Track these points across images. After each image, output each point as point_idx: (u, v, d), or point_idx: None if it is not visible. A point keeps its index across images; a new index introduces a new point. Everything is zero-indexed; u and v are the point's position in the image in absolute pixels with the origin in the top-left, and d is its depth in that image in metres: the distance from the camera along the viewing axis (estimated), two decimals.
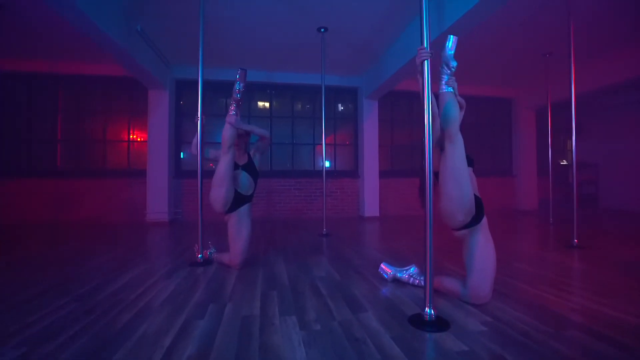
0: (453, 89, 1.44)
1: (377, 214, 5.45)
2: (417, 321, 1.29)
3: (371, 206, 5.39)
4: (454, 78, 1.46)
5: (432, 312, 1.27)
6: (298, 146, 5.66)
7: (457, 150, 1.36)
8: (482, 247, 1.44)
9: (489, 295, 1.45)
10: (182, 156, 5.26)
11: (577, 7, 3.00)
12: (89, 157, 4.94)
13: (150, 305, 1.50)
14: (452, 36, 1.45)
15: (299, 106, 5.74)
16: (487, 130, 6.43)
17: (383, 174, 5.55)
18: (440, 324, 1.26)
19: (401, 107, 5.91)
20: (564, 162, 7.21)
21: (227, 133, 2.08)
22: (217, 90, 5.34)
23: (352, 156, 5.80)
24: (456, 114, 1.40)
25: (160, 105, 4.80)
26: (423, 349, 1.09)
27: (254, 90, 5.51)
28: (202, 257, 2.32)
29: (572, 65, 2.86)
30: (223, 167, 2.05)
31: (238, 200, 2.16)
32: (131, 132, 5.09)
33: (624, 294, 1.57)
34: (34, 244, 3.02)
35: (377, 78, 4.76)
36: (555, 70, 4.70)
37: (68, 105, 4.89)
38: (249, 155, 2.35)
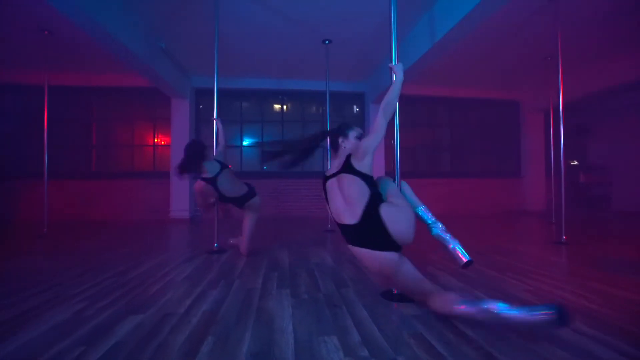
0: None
1: None
2: (387, 294, 1.56)
3: None
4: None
5: None
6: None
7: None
8: None
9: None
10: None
11: (573, 11, 3.14)
12: (119, 160, 5.47)
13: (173, 280, 1.84)
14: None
15: (310, 111, 6.07)
16: (494, 133, 6.52)
17: (389, 175, 5.78)
18: (405, 297, 1.52)
19: (407, 110, 6.12)
20: (575, 163, 7.15)
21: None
22: (232, 97, 5.75)
23: None
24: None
25: (181, 112, 5.25)
26: (385, 313, 1.36)
27: (267, 97, 5.89)
28: (217, 245, 2.67)
29: (560, 70, 3.01)
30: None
31: (233, 201, 2.51)
32: (156, 137, 5.57)
33: (580, 281, 1.77)
34: (74, 237, 3.49)
35: (380, 83, 5.01)
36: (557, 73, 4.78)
37: (101, 114, 5.44)
38: (218, 162, 2.49)
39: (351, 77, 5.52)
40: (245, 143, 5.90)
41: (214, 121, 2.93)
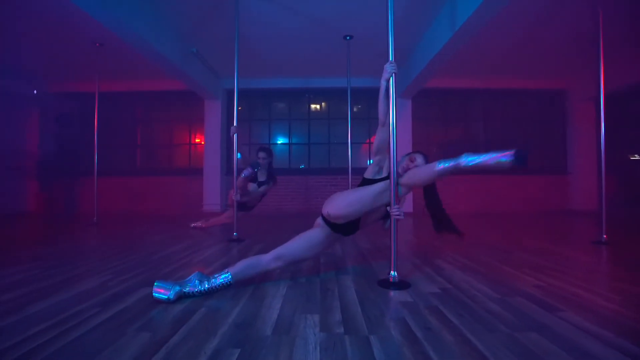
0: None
1: (411, 210, 5.54)
2: (384, 282, 1.56)
3: (405, 203, 5.50)
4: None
5: (396, 274, 1.53)
6: (334, 145, 6.03)
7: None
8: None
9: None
10: (239, 156, 5.99)
11: None
12: (159, 158, 5.98)
13: (189, 262, 2.01)
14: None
15: (337, 108, 6.10)
16: (536, 126, 6.03)
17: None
18: (401, 285, 1.51)
19: (435, 105, 5.90)
20: (636, 157, 6.32)
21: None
22: (261, 97, 5.98)
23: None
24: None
25: (213, 112, 5.60)
26: (375, 298, 1.37)
27: (294, 96, 6.04)
28: (236, 234, 2.83)
29: (601, 53, 2.72)
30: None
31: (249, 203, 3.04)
32: (191, 136, 6.00)
33: (605, 281, 1.61)
34: (118, 226, 3.91)
35: (406, 77, 4.90)
36: (607, 58, 4.30)
37: (143, 116, 5.99)
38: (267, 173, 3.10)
39: (377, 72, 5.45)
40: (280, 141, 6.10)
41: (232, 131, 2.91)
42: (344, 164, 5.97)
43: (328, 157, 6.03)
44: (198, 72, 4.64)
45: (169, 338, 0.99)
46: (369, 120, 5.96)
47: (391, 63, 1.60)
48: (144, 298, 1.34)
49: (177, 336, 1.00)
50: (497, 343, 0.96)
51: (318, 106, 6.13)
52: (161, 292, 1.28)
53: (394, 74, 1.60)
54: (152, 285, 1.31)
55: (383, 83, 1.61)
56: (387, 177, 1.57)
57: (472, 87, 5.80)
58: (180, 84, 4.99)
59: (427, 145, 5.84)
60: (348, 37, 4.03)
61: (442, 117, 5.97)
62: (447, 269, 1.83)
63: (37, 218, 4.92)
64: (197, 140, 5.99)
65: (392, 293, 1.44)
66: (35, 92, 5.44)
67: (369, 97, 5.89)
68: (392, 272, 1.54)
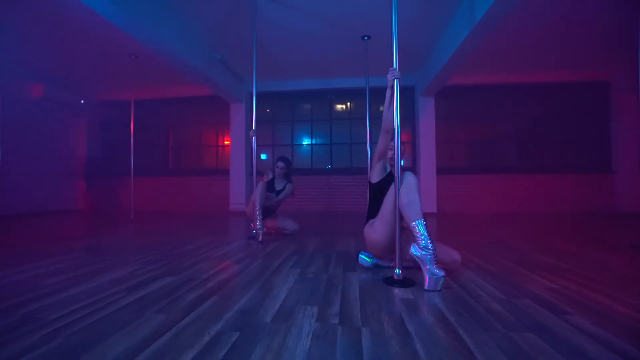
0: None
1: (435, 210, 5.41)
2: (389, 280, 1.58)
3: (427, 202, 5.39)
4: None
5: (401, 272, 1.55)
6: (355, 145, 6.04)
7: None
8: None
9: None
10: (264, 157, 6.19)
11: None
12: (190, 159, 6.34)
13: (209, 256, 2.16)
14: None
15: (358, 108, 6.11)
16: (575, 121, 5.63)
17: (446, 171, 5.48)
18: (406, 283, 1.53)
19: (460, 102, 5.72)
20: None
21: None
22: (284, 99, 6.14)
23: (409, 153, 5.89)
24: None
25: (238, 115, 5.84)
26: (376, 294, 1.40)
27: (315, 97, 6.13)
28: (255, 232, 2.96)
29: None
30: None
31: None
32: (218, 138, 6.30)
33: (629, 285, 1.51)
34: (151, 222, 4.23)
35: (428, 75, 4.80)
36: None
37: (175, 120, 6.39)
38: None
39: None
40: (305, 142, 6.24)
41: (251, 133, 3.10)
42: (364, 164, 5.98)
43: (350, 157, 6.06)
44: (222, 78, 4.88)
45: (180, 320, 1.10)
46: None
47: (392, 71, 1.64)
48: (164, 286, 1.48)
49: (188, 319, 1.11)
50: (488, 341, 0.96)
51: (342, 106, 6.17)
52: (364, 260, 1.86)
53: (397, 79, 1.64)
54: (173, 275, 1.45)
55: (388, 92, 1.67)
56: (391, 173, 1.86)
57: (500, 82, 5.54)
58: (207, 89, 5.27)
59: (451, 144, 5.67)
60: (366, 38, 4.04)
61: (468, 115, 5.76)
62: (457, 269, 1.80)
63: (84, 215, 5.45)
64: (227, 143, 6.28)
65: (396, 291, 1.47)
66: (82, 101, 6.01)
67: None
68: (396, 270, 1.56)
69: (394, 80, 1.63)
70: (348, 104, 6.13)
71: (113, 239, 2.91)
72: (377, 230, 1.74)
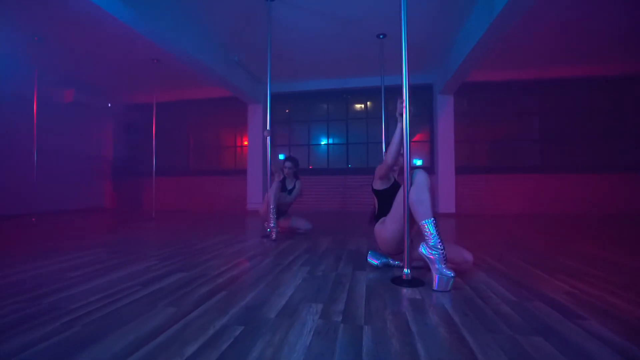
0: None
1: (453, 211, 5.28)
2: (397, 279, 1.57)
3: (445, 202, 5.27)
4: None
5: (409, 272, 1.53)
6: (372, 144, 5.99)
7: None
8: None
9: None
10: (282, 157, 6.27)
11: None
12: (209, 160, 6.52)
13: (222, 254, 2.22)
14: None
15: (373, 107, 6.06)
16: (602, 118, 5.31)
17: (465, 170, 5.33)
18: (414, 283, 1.51)
19: (480, 100, 5.53)
20: None
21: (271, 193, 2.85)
22: (301, 99, 6.19)
23: (427, 152, 5.78)
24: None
25: (256, 116, 5.95)
26: (382, 293, 1.40)
27: (332, 97, 6.13)
28: (269, 231, 3.02)
29: None
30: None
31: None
32: (237, 139, 6.44)
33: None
34: (171, 221, 4.39)
35: (447, 72, 4.69)
36: None
37: (195, 121, 6.59)
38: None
39: (415, 69, 5.30)
40: (322, 142, 6.28)
41: (266, 134, 3.12)
42: (379, 163, 5.92)
43: (366, 156, 6.02)
44: (240, 79, 4.99)
45: (189, 313, 1.15)
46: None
47: (400, 102, 1.63)
48: (177, 281, 1.55)
49: (196, 312, 1.16)
50: (492, 343, 0.94)
51: (358, 106, 6.14)
52: (372, 259, 1.85)
53: (405, 108, 1.63)
54: (186, 271, 1.51)
55: (398, 126, 1.70)
56: (396, 183, 1.96)
57: (523, 78, 5.31)
58: (225, 91, 5.40)
59: (471, 143, 5.50)
60: (381, 36, 4.00)
61: (489, 113, 5.56)
62: (469, 270, 1.76)
63: (110, 213, 5.75)
64: (245, 143, 6.41)
65: (404, 290, 1.46)
66: (109, 105, 6.34)
67: (411, 94, 5.73)
68: (405, 270, 1.55)
69: (402, 108, 1.64)
70: (366, 103, 6.09)
71: (134, 236, 3.06)
72: (387, 227, 1.74)
